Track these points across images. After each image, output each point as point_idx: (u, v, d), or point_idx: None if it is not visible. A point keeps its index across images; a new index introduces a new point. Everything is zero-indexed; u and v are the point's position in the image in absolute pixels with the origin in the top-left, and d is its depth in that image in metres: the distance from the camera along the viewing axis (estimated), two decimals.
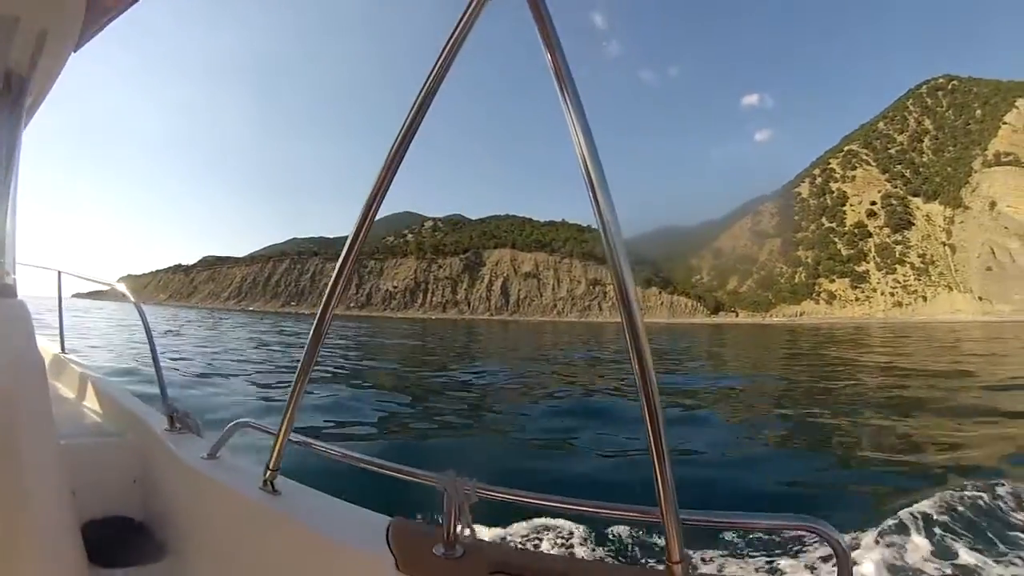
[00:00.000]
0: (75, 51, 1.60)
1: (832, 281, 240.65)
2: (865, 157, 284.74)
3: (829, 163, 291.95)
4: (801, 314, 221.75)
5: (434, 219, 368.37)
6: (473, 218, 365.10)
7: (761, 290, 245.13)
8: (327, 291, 1.08)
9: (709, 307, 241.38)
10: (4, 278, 1.45)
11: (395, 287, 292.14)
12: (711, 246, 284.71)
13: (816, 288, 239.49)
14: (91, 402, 2.41)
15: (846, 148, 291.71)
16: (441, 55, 0.91)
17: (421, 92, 0.93)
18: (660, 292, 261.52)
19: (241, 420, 1.51)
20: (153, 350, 1.92)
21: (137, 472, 1.78)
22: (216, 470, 1.47)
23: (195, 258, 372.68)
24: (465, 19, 0.89)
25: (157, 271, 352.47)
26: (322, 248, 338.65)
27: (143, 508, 1.75)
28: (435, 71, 0.93)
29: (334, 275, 1.08)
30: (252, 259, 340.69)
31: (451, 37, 0.91)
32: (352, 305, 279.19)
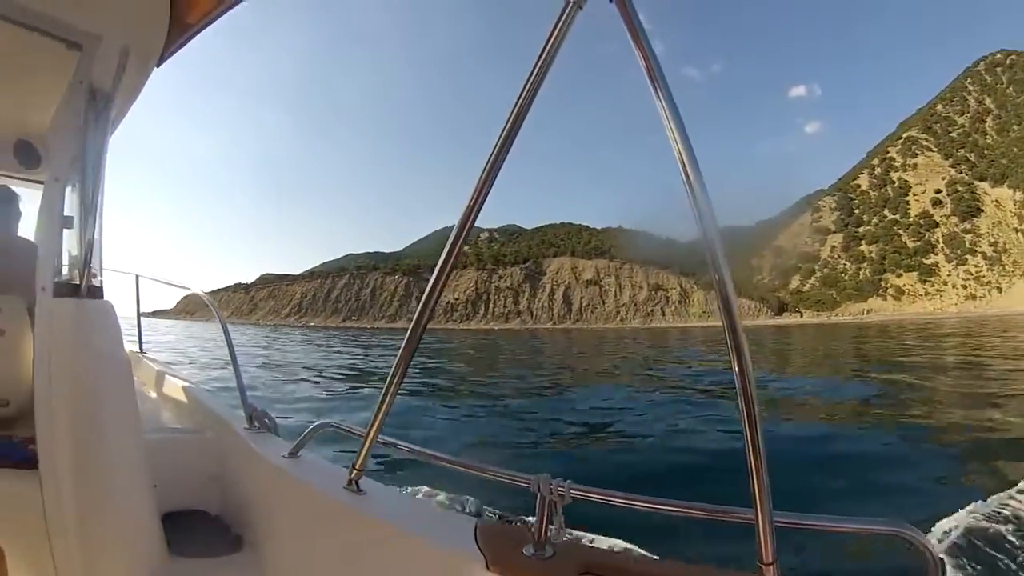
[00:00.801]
0: (158, 66, 1.66)
1: (899, 276, 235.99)
2: (925, 143, 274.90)
3: (888, 152, 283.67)
4: (868, 312, 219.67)
5: (489, 230, 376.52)
6: (528, 227, 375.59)
7: (825, 288, 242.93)
8: (424, 297, 1.07)
9: (773, 308, 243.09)
10: (92, 280, 1.52)
11: (456, 299, 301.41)
12: (771, 245, 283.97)
13: (883, 284, 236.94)
14: (170, 400, 2.46)
15: (904, 135, 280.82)
16: (537, 62, 0.89)
17: (517, 101, 0.90)
18: None
19: (324, 421, 1.53)
20: (231, 352, 1.95)
21: (215, 468, 1.81)
22: (298, 468, 1.48)
23: (253, 276, 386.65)
24: (559, 26, 0.88)
25: (217, 290, 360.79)
26: (379, 262, 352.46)
27: (221, 503, 1.78)
28: (531, 79, 0.90)
29: (431, 283, 1.06)
30: (311, 275, 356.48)
31: (546, 44, 0.88)
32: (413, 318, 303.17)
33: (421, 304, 1.10)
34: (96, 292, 1.54)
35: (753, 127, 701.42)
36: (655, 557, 3.07)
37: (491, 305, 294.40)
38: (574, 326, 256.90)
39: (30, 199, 2.45)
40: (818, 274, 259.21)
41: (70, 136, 1.53)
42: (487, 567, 1.01)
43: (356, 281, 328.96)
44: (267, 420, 1.78)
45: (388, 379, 1.13)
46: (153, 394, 2.91)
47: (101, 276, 1.58)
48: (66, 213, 1.55)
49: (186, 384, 2.62)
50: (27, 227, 2.42)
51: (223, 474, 1.81)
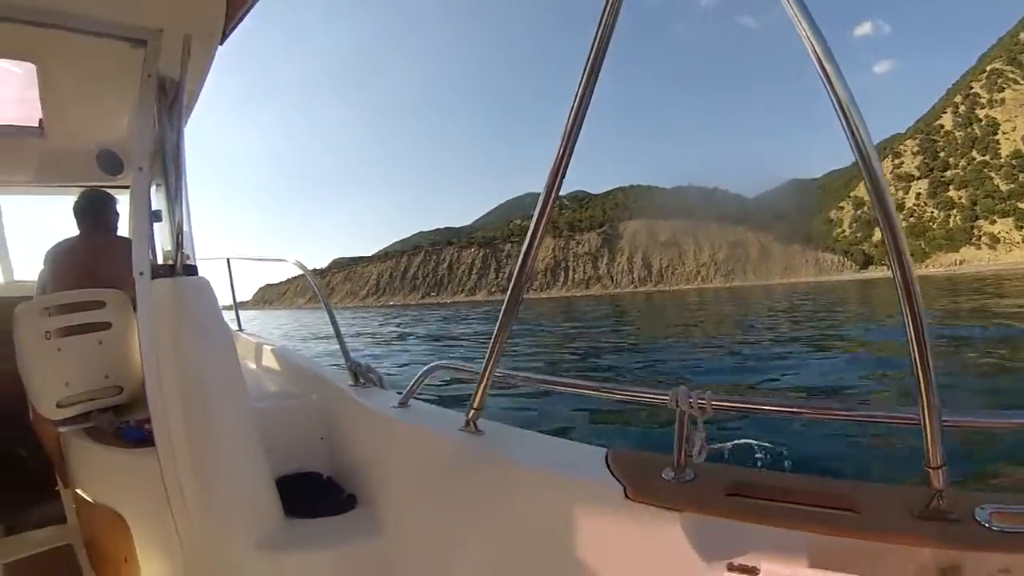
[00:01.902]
0: (221, 44, 1.72)
1: (993, 222, 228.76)
2: (1012, 75, 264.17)
3: (971, 87, 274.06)
4: (961, 262, 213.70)
5: (560, 198, 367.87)
6: (596, 192, 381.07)
7: (912, 239, 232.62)
8: (520, 258, 1.05)
9: (858, 262, 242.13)
10: (188, 260, 1.59)
11: (536, 268, 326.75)
12: (850, 196, 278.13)
13: (975, 232, 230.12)
14: (273, 369, 2.47)
15: (988, 68, 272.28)
16: (602, 18, 0.86)
17: (586, 66, 0.88)
18: (803, 249, 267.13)
19: (435, 364, 1.50)
20: (331, 314, 1.99)
21: (323, 430, 1.83)
22: (410, 416, 1.48)
23: (326, 262, 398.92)
24: None
25: (292, 278, 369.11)
26: (451, 238, 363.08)
27: (331, 464, 1.79)
28: (597, 41, 0.87)
29: (523, 251, 1.03)
30: (385, 255, 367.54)
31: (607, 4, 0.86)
32: (494, 290, 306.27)
33: (520, 262, 1.06)
34: (191, 270, 1.60)
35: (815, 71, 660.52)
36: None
37: (570, 272, 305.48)
38: (655, 288, 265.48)
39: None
40: (903, 224, 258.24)
41: (147, 127, 1.60)
42: (626, 495, 0.95)
43: (432, 257, 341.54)
44: (372, 375, 1.77)
45: (501, 313, 1.09)
46: (254, 366, 2.93)
47: (194, 258, 1.66)
48: (153, 204, 1.61)
49: (285, 353, 2.66)
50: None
51: (331, 435, 1.82)
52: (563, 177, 0.97)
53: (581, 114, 0.92)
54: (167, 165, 1.64)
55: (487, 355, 1.15)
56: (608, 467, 1.05)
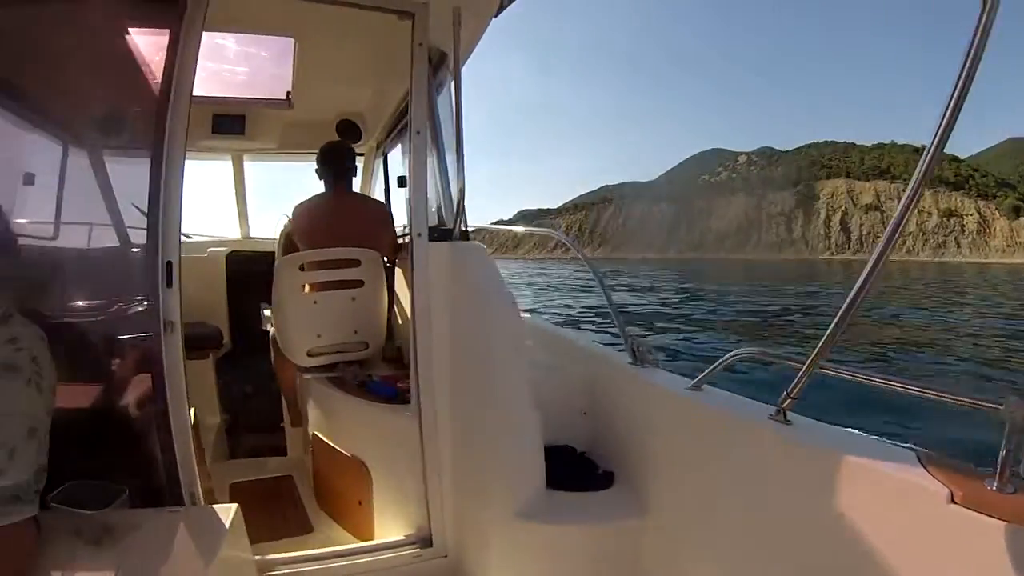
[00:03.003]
0: (496, 16, 1.73)
1: None
2: None
3: None
4: None
5: (747, 154, 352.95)
6: (784, 149, 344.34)
7: None
8: (889, 228, 0.90)
9: None
10: (463, 227, 1.66)
11: (726, 227, 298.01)
12: None
13: None
14: (537, 339, 2.37)
15: None
16: None
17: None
18: None
19: (741, 350, 1.39)
20: (605, 291, 1.88)
21: (586, 404, 1.77)
22: (708, 399, 1.37)
23: (511, 213, 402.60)
24: None
25: (478, 228, 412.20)
26: (643, 191, 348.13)
27: (589, 439, 1.74)
28: None
29: (899, 209, 0.89)
30: (575, 207, 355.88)
31: None
32: (683, 248, 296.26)
33: (885, 237, 0.92)
34: (467, 236, 1.64)
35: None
36: None
37: (761, 233, 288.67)
38: (854, 257, 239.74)
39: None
40: None
41: (421, 94, 1.63)
42: (952, 500, 0.88)
43: (621, 211, 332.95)
44: (650, 356, 1.67)
45: (850, 296, 0.98)
46: None
47: (466, 224, 1.69)
48: (401, 169, 1.77)
49: (549, 324, 2.63)
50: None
51: (595, 410, 1.76)
52: (950, 129, 0.81)
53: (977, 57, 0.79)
54: (438, 130, 1.72)
55: (821, 342, 1.06)
56: (925, 469, 0.97)
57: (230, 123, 2.78)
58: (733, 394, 1.43)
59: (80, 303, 1.53)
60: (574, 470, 1.63)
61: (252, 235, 3.45)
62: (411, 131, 1.63)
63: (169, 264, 1.37)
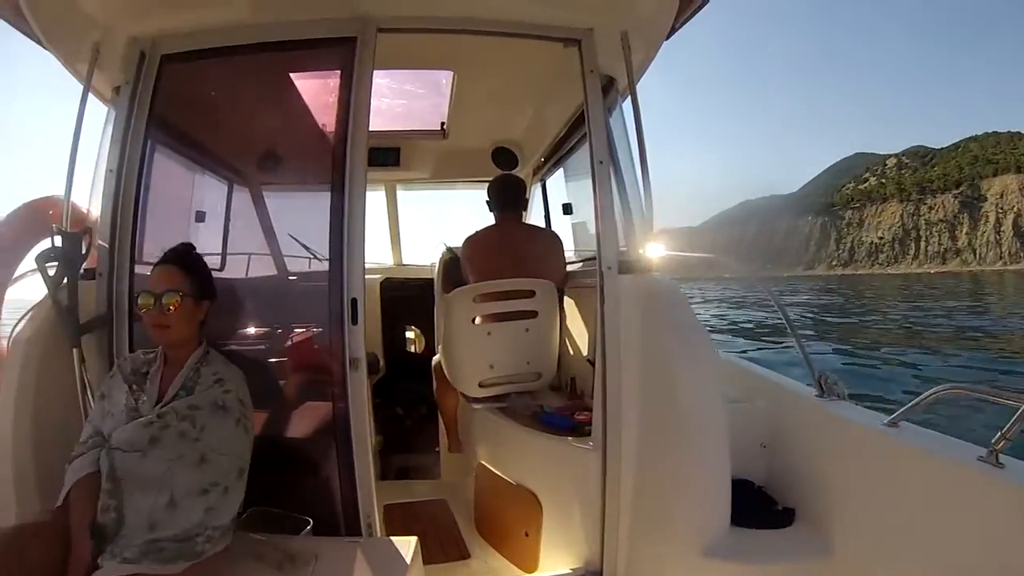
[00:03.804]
0: (667, 39, 1.72)
1: None
2: None
3: None
4: None
5: (895, 156, 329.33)
6: (939, 147, 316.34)
7: None
8: None
9: None
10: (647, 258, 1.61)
11: (880, 238, 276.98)
12: None
13: None
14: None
15: None
16: None
17: None
18: None
19: (947, 385, 1.32)
20: (787, 320, 1.83)
21: (766, 438, 1.72)
22: (907, 438, 1.29)
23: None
24: None
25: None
26: (786, 204, 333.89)
27: (766, 473, 1.69)
28: None
29: None
30: (718, 225, 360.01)
31: None
32: (834, 263, 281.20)
33: None
34: (652, 268, 1.60)
35: None
36: None
37: (921, 243, 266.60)
38: None
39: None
40: None
41: (599, 122, 1.60)
42: None
43: (767, 227, 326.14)
44: (837, 387, 1.61)
45: None
46: None
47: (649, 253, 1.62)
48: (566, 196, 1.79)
49: (729, 355, 2.57)
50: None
51: (775, 444, 1.71)
52: None
53: None
54: (615, 158, 1.67)
55: None
56: None
57: (384, 155, 2.86)
58: (936, 432, 1.35)
59: (268, 339, 1.60)
60: (752, 505, 1.57)
61: (404, 262, 3.56)
62: (593, 161, 1.60)
63: (354, 302, 1.39)
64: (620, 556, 1.51)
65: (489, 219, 2.31)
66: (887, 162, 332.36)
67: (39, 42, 1.56)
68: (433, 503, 2.26)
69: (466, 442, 2.23)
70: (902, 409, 1.36)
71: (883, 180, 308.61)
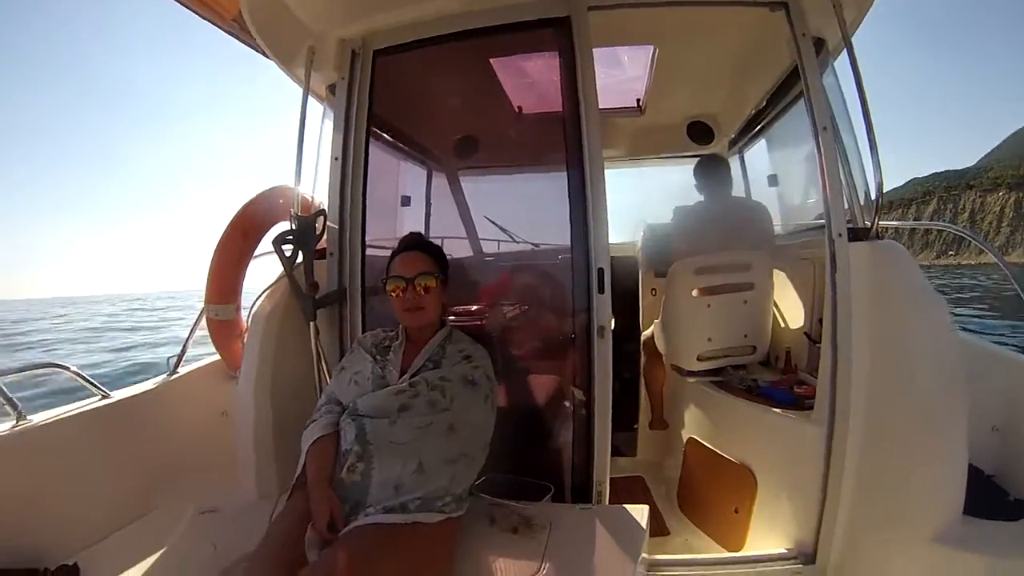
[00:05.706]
0: None
1: None
2: None
3: None
4: None
5: None
6: None
7: None
8: None
9: None
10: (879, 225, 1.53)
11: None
12: None
13: None
14: None
15: None
16: None
17: None
18: None
19: None
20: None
21: (999, 420, 1.64)
22: None
23: (807, 218, 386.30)
24: None
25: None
26: (955, 182, 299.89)
27: (1000, 460, 1.61)
28: None
29: None
30: (890, 205, 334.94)
31: None
32: None
33: None
34: (884, 235, 1.53)
35: None
36: None
37: None
38: None
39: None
40: None
41: (817, 87, 1.54)
42: None
43: (948, 206, 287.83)
44: None
45: None
46: None
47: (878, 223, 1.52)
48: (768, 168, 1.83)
49: (961, 331, 2.28)
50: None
51: (1009, 427, 1.60)
52: None
53: None
54: (833, 124, 1.59)
55: None
56: None
57: None
58: None
59: (505, 316, 1.68)
60: (978, 494, 1.42)
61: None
62: (816, 127, 1.55)
63: (601, 271, 1.43)
64: (837, 538, 1.44)
65: (685, 199, 2.32)
66: None
67: (264, 53, 1.75)
68: (630, 479, 2.27)
69: (673, 418, 2.21)
70: None
71: None
